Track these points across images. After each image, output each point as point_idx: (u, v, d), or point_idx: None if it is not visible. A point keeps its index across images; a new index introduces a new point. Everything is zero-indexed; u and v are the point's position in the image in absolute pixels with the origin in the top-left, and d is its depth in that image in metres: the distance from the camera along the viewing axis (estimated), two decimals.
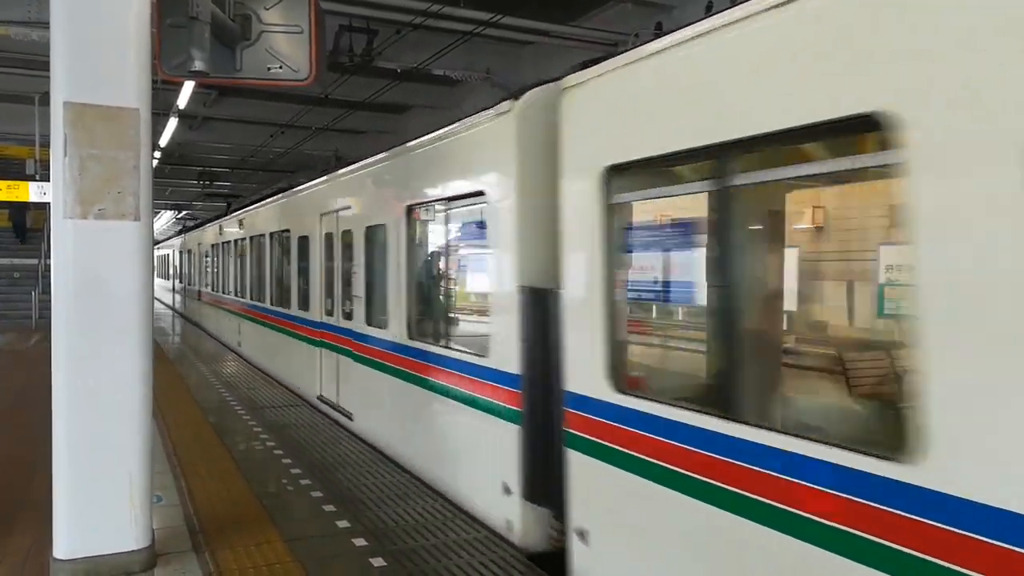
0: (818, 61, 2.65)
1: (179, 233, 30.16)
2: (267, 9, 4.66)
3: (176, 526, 4.89)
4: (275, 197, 12.55)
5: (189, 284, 23.78)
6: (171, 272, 30.39)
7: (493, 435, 4.83)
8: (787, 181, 3.47)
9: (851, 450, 2.53)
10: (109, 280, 4.12)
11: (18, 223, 25.06)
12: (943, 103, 2.24)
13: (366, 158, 7.96)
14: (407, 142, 6.64)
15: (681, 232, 4.36)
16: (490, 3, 9.63)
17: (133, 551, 4.16)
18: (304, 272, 9.98)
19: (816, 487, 2.64)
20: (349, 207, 8.10)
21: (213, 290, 18.23)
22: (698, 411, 3.23)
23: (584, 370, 3.95)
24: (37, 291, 20.86)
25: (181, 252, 26.10)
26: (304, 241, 9.91)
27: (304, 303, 9.92)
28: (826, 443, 2.63)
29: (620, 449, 3.65)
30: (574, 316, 4.06)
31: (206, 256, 19.58)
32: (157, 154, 18.31)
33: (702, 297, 3.57)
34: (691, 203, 3.80)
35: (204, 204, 32.11)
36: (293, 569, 4.26)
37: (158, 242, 39.30)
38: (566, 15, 10.62)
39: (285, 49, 4.73)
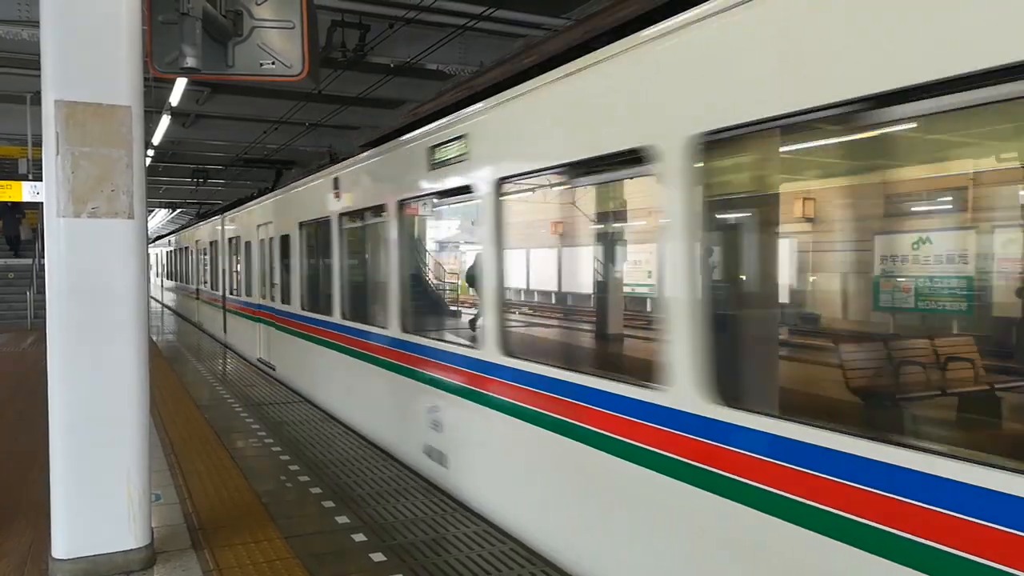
0: None
1: (206, 217, 20.81)
2: (259, 4, 4.64)
3: (175, 524, 4.88)
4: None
5: (246, 294, 13.35)
6: (200, 275, 19.81)
7: None
8: None
9: None
10: (104, 278, 4.10)
11: (10, 235, 23.02)
12: None
13: None
14: None
15: None
16: None
17: (132, 550, 4.16)
18: None
19: None
20: None
21: (342, 316, 8.30)
22: None
23: None
24: (32, 291, 20.79)
25: (220, 244, 16.21)
26: None
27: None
28: None
29: None
30: None
31: (296, 250, 10.05)
32: (150, 152, 18.25)
33: None
34: None
35: (200, 200, 32.01)
36: (292, 565, 4.26)
37: (170, 233, 30.72)
38: (559, 8, 10.61)
39: (277, 44, 4.72)
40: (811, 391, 5.19)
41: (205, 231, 18.90)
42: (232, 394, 9.79)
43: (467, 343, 5.64)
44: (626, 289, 4.73)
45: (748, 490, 3.03)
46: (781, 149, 3.75)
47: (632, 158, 3.68)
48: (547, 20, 10.55)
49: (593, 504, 4.09)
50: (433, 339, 6.06)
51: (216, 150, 20.61)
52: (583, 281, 4.65)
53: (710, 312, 3.29)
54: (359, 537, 4.69)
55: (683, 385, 3.35)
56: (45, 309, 4.13)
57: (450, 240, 5.30)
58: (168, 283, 29.63)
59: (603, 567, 4.03)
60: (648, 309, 5.77)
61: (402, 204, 6.59)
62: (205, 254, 18.59)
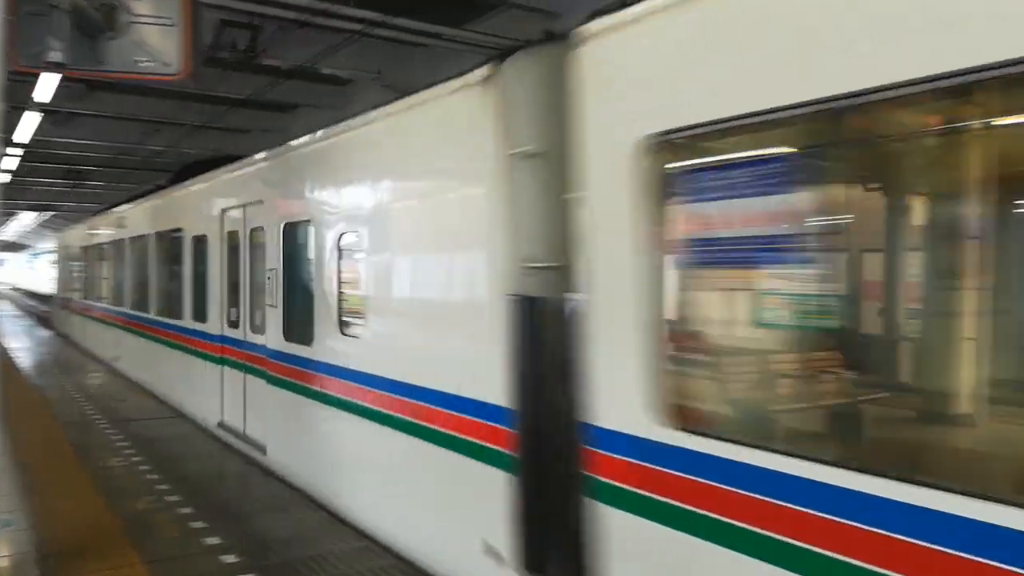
0: None
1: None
2: None
3: (25, 552, 4.52)
4: None
5: None
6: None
7: None
8: None
9: None
10: None
11: None
12: None
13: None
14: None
15: None
16: (381, 3, 9.51)
17: None
18: None
19: None
20: None
21: None
22: None
23: None
24: None
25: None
26: None
27: None
28: None
29: None
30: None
31: None
32: (18, 151, 17.06)
33: None
34: None
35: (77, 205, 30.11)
36: None
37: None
38: (459, 19, 10.62)
39: (155, 42, 4.50)
40: None
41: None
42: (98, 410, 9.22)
43: None
44: None
45: None
46: None
47: None
48: (446, 30, 10.54)
49: None
50: None
51: (92, 150, 19.44)
52: None
53: None
54: (229, 559, 4.48)
55: None
56: None
57: None
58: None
59: None
60: None
61: None
62: None
